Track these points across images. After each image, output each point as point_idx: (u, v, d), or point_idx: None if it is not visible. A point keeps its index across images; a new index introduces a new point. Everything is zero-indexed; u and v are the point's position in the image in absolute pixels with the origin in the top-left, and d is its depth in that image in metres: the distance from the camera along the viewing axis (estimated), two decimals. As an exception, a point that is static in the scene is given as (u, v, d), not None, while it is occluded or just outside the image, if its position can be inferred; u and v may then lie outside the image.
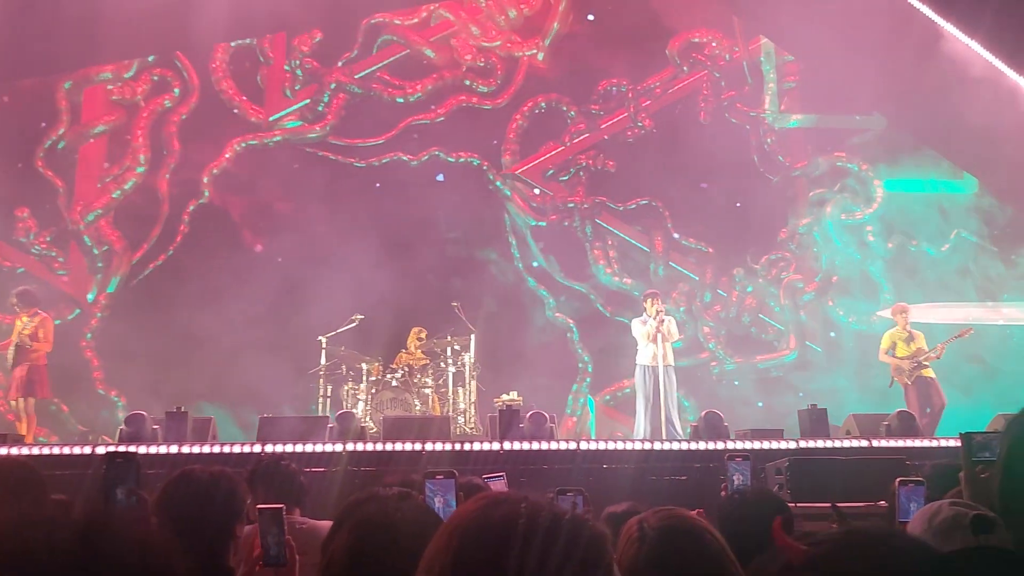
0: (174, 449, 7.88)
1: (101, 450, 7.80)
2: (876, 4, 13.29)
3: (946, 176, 15.01)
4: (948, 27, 12.85)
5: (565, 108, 15.14)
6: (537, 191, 14.92)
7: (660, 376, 10.47)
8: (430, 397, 11.51)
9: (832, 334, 14.74)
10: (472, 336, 11.93)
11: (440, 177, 14.69)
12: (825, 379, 13.44)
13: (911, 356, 11.04)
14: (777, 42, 15.45)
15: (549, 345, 14.06)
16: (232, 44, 14.61)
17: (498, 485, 3.65)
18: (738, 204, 14.76)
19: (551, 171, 15.00)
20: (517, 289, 14.42)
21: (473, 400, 11.81)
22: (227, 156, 14.36)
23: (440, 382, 11.79)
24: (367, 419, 10.84)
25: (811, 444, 8.34)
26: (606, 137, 15.15)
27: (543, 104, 15.10)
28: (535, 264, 14.72)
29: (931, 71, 13.02)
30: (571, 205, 14.84)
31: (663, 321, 10.65)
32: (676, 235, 14.80)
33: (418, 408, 11.18)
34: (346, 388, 11.65)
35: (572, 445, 8.33)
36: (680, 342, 11.69)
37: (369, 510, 2.16)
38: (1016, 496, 2.25)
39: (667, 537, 2.13)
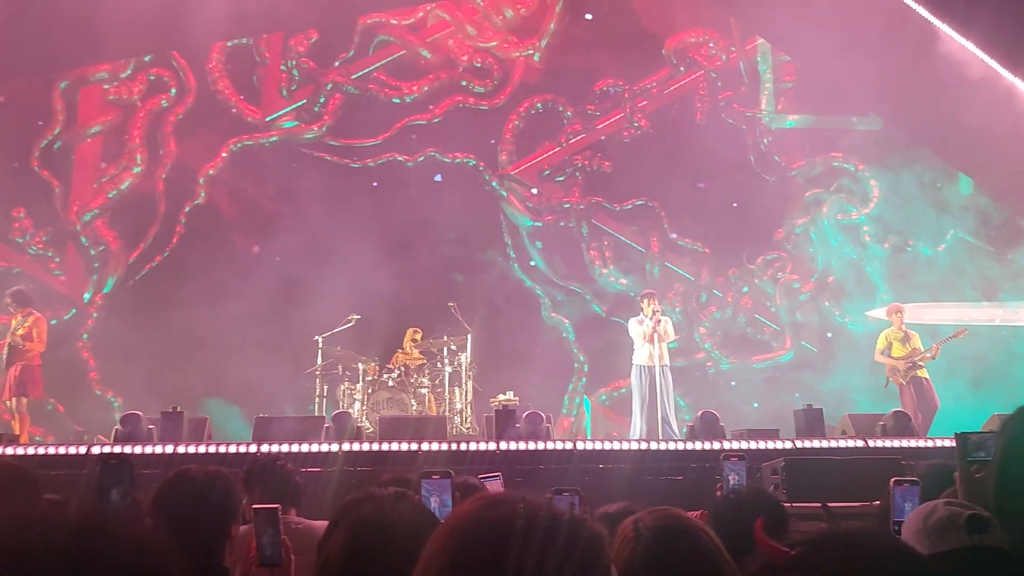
0: (169, 449, 7.87)
1: (96, 450, 7.79)
2: (872, 5, 13.31)
3: (941, 176, 15.03)
4: (944, 28, 12.87)
5: (561, 109, 15.14)
6: (535, 191, 14.92)
7: (656, 376, 10.49)
8: (426, 397, 11.51)
9: (829, 335, 14.76)
10: (468, 336, 11.94)
11: (438, 178, 14.69)
12: (821, 379, 13.45)
13: (907, 356, 11.06)
14: (773, 43, 15.47)
15: (545, 345, 14.08)
16: (228, 44, 14.60)
17: (494, 485, 3.65)
18: (735, 204, 14.78)
19: (547, 171, 15.01)
20: (513, 289, 14.42)
21: (469, 400, 11.82)
22: (223, 156, 14.34)
23: (436, 382, 11.79)
24: (363, 419, 10.84)
25: (807, 444, 8.35)
26: (602, 138, 15.16)
27: (539, 104, 15.10)
28: (531, 264, 14.73)
29: (927, 72, 13.04)
30: (567, 206, 14.84)
31: (659, 321, 10.67)
32: (672, 235, 14.81)
33: (414, 408, 11.18)
34: (342, 388, 11.65)
35: (568, 445, 8.33)
36: (676, 342, 11.71)
37: (365, 510, 2.16)
38: (1011, 496, 2.25)
39: (662, 537, 2.14)
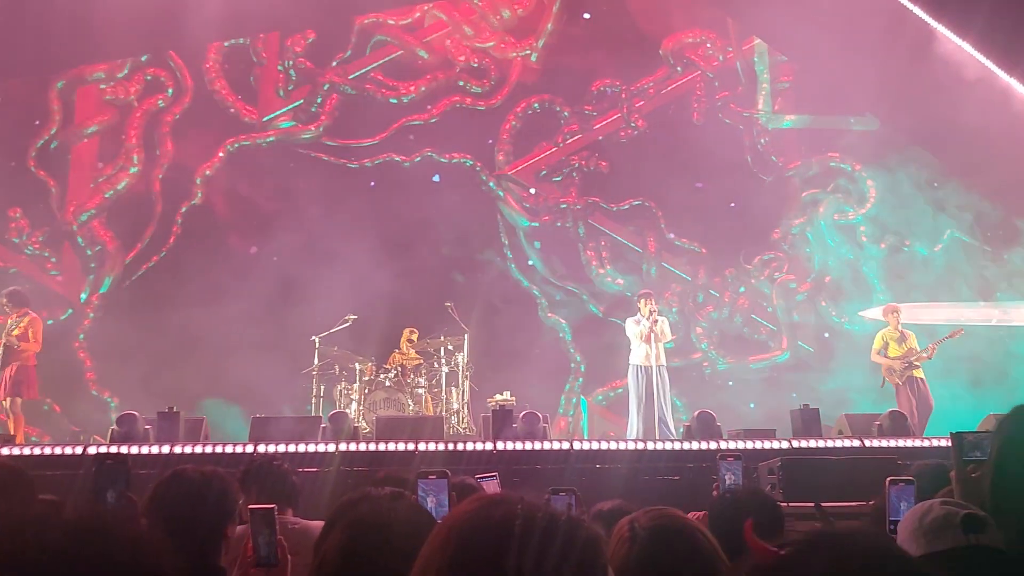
0: (165, 449, 7.86)
1: (92, 450, 7.77)
2: (869, 5, 13.32)
3: (938, 176, 15.05)
4: (940, 28, 12.89)
5: (558, 109, 15.14)
6: (533, 191, 14.92)
7: (653, 376, 10.50)
8: (423, 397, 11.51)
9: (826, 335, 14.77)
10: (465, 336, 11.94)
11: (436, 178, 14.69)
12: (818, 379, 13.46)
13: (903, 356, 11.07)
14: (771, 43, 15.48)
15: (542, 345, 14.09)
16: (225, 44, 14.59)
17: (491, 485, 3.65)
18: (732, 204, 14.78)
19: (544, 172, 15.01)
20: (510, 289, 14.42)
21: (466, 400, 11.82)
22: (220, 156, 14.33)
23: (433, 382, 11.79)
24: (360, 419, 10.84)
25: (804, 444, 8.36)
26: (599, 138, 15.16)
27: (536, 105, 15.10)
28: (528, 264, 14.73)
29: (924, 72, 13.06)
30: (564, 206, 14.85)
31: (656, 321, 10.68)
32: (669, 236, 14.81)
33: (411, 408, 11.18)
34: (339, 388, 11.65)
35: (565, 445, 8.33)
36: (673, 343, 11.72)
37: (362, 510, 2.16)
38: (1007, 495, 2.26)
39: (658, 537, 2.14)
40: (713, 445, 8.18)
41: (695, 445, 8.35)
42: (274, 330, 12.33)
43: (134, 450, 7.70)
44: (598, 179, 14.97)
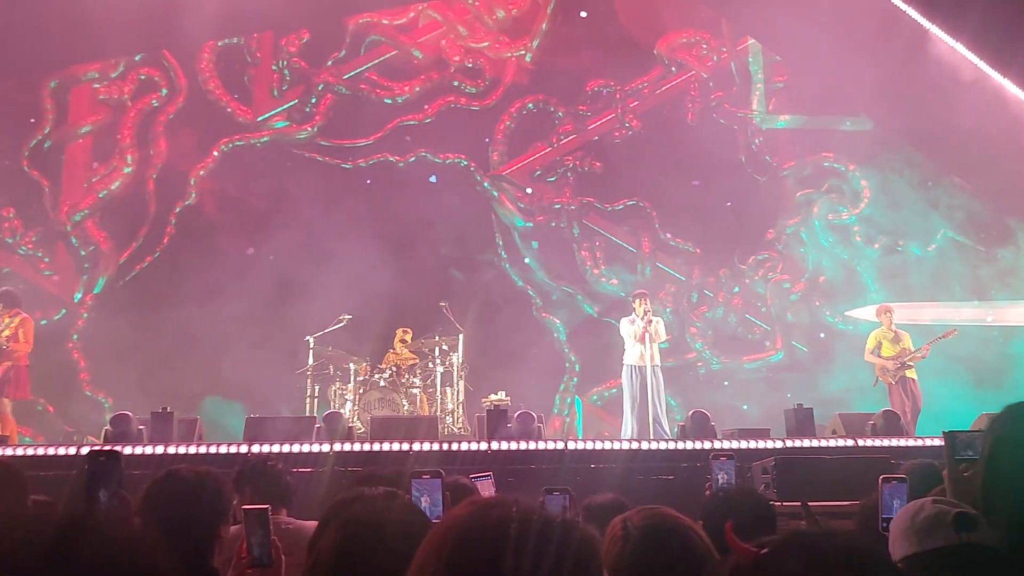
0: (160, 450, 7.84)
1: (86, 451, 7.75)
2: (863, 6, 13.35)
3: (931, 176, 15.08)
4: (933, 29, 12.91)
5: (553, 109, 15.15)
6: (530, 191, 14.92)
7: (647, 376, 10.50)
8: (418, 397, 11.50)
9: (822, 335, 14.78)
10: (460, 336, 11.94)
11: (433, 179, 14.69)
12: (812, 379, 13.48)
13: (896, 356, 11.09)
14: (765, 43, 15.51)
15: (537, 345, 14.08)
16: (219, 44, 14.57)
17: (485, 485, 3.65)
18: (729, 204, 14.80)
19: (539, 172, 15.01)
20: (505, 289, 14.43)
21: (461, 400, 11.81)
22: (214, 156, 14.31)
23: (428, 382, 11.78)
24: (355, 419, 10.82)
25: (797, 444, 8.37)
26: (594, 138, 15.17)
27: (531, 105, 15.11)
28: (523, 264, 14.73)
29: (918, 73, 13.09)
30: (558, 206, 14.85)
31: (651, 322, 10.68)
32: (663, 236, 14.83)
33: (406, 408, 11.16)
34: (334, 388, 11.63)
35: (559, 445, 8.33)
36: (667, 343, 11.73)
37: (356, 510, 2.16)
38: (999, 494, 2.26)
39: (651, 536, 2.14)
40: (707, 445, 8.19)
41: (689, 445, 8.36)
42: (269, 330, 12.32)
43: (128, 450, 7.68)
44: (593, 179, 14.98)
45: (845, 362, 13.10)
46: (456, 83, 14.99)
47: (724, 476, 4.06)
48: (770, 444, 8.32)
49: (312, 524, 2.42)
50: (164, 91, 14.47)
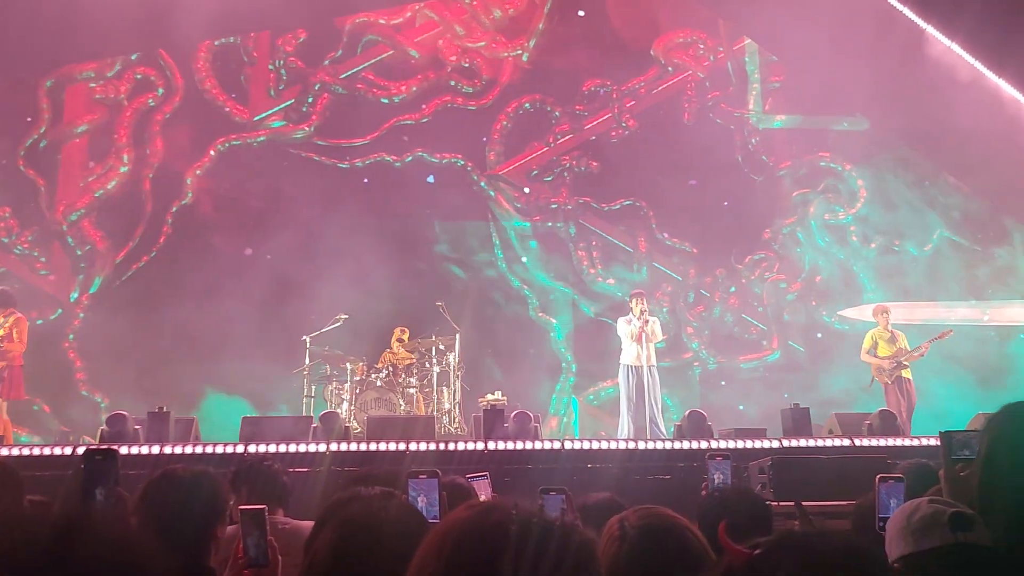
0: (156, 449, 7.83)
1: (82, 451, 7.73)
2: (859, 6, 13.36)
3: (927, 176, 15.10)
4: (929, 29, 12.93)
5: (549, 109, 15.15)
6: (527, 190, 14.92)
7: (644, 376, 10.51)
8: (414, 397, 11.50)
9: (819, 335, 14.79)
10: (456, 336, 11.93)
11: (431, 179, 14.68)
12: (809, 379, 13.50)
13: (892, 356, 11.11)
14: (761, 43, 15.51)
15: (533, 345, 14.09)
16: (216, 43, 14.55)
17: (482, 484, 3.65)
18: (726, 203, 14.82)
19: (535, 171, 15.01)
20: (501, 289, 14.43)
21: (457, 400, 11.81)
22: (211, 156, 14.29)
23: (424, 382, 11.77)
24: (351, 419, 10.82)
25: (794, 443, 8.38)
26: (591, 138, 15.17)
27: (527, 104, 15.10)
28: (519, 264, 14.72)
29: (914, 73, 13.11)
30: (555, 206, 14.85)
31: (647, 321, 10.68)
32: (660, 235, 14.83)
33: (402, 408, 11.16)
34: (330, 388, 11.62)
35: (556, 445, 8.33)
36: (664, 342, 11.74)
37: (352, 509, 2.16)
38: (995, 493, 2.27)
39: (648, 536, 2.14)
40: (704, 444, 8.19)
41: (686, 445, 8.37)
42: (266, 330, 12.30)
43: (124, 450, 7.67)
44: (589, 179, 14.98)
45: (842, 362, 13.12)
46: (453, 83, 14.99)
47: (720, 476, 4.06)
48: (766, 444, 8.33)
49: (309, 524, 2.42)
50: (160, 90, 14.45)
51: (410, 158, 14.58)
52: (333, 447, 8.00)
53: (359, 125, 14.58)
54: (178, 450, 7.89)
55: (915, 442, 8.48)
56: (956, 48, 12.84)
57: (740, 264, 14.89)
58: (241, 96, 14.67)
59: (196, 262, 13.10)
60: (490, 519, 1.30)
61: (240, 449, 7.74)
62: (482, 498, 3.39)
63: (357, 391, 11.27)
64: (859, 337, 11.81)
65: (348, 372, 11.51)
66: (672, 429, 9.86)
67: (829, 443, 8.48)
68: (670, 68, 15.43)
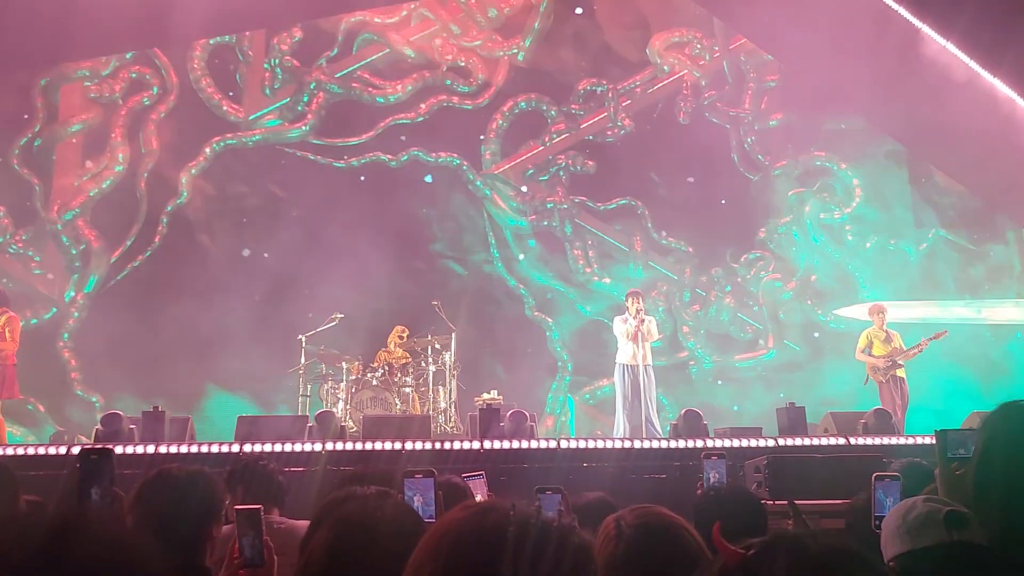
0: (151, 449, 7.82)
1: (77, 450, 7.73)
2: (855, 5, 13.37)
3: (923, 175, 15.13)
4: (925, 28, 12.94)
5: (545, 108, 15.15)
6: (525, 189, 14.92)
7: (640, 375, 10.51)
8: (410, 396, 11.50)
9: (815, 334, 14.81)
10: (452, 335, 11.93)
11: (428, 179, 14.68)
12: (804, 378, 13.52)
13: (888, 355, 11.13)
14: (757, 42, 15.52)
15: (529, 344, 14.09)
16: (211, 42, 14.52)
17: (478, 484, 3.65)
18: (722, 202, 14.84)
19: (531, 171, 15.01)
20: (497, 288, 14.43)
21: (453, 399, 11.80)
22: (206, 155, 14.27)
23: (420, 381, 11.77)
24: (347, 418, 10.82)
25: (789, 442, 8.39)
26: (587, 137, 15.17)
27: (523, 104, 15.10)
28: (515, 263, 14.72)
29: (909, 73, 13.12)
30: (551, 205, 14.85)
31: (643, 320, 10.69)
32: (656, 235, 14.84)
33: (398, 407, 11.16)
34: (326, 387, 11.62)
35: (552, 444, 8.33)
36: (659, 342, 11.75)
37: (348, 509, 2.15)
38: (990, 492, 2.27)
39: (644, 535, 2.14)
40: (699, 443, 8.20)
41: (681, 444, 8.37)
42: (262, 328, 12.29)
43: (119, 450, 7.66)
44: (585, 178, 14.99)
45: (837, 361, 13.14)
46: (448, 82, 14.98)
47: (716, 475, 4.07)
48: (762, 443, 8.34)
49: (304, 524, 2.42)
50: (155, 89, 14.41)
51: (406, 157, 14.57)
52: (329, 446, 7.99)
53: (355, 124, 14.57)
54: (173, 449, 7.87)
55: (910, 441, 8.49)
56: (951, 48, 12.86)
57: (736, 263, 14.91)
58: (236, 95, 14.65)
59: (191, 261, 13.09)
60: (488, 520, 1.30)
61: (236, 448, 7.73)
62: (478, 497, 3.40)
63: (353, 390, 11.27)
64: (854, 336, 11.83)
65: (344, 371, 11.50)
66: (668, 428, 9.87)
67: (824, 442, 8.50)
68: (666, 67, 15.44)
